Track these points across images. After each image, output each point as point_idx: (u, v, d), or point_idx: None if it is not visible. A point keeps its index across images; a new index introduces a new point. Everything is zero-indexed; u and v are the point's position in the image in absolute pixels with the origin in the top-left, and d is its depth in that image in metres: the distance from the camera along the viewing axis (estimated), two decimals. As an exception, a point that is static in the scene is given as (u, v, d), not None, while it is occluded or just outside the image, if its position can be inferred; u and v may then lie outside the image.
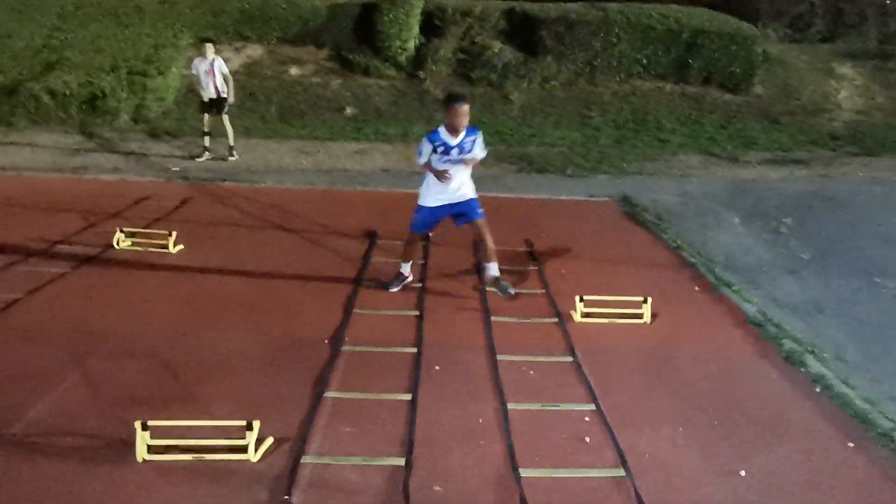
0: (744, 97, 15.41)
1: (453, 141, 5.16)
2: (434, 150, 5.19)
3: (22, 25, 13.69)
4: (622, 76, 15.05)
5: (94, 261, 5.98)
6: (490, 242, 5.32)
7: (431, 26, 14.65)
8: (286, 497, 3.07)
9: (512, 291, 5.33)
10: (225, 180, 9.32)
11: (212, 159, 10.43)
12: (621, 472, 3.35)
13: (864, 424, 3.86)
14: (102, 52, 13.49)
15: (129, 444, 3.31)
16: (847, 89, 16.85)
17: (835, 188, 10.26)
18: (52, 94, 12.48)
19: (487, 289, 5.52)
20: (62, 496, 3.07)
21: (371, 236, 6.94)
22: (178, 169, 9.94)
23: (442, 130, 5.19)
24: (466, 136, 5.19)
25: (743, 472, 3.41)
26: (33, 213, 7.29)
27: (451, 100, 5.17)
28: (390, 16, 14.06)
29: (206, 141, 10.50)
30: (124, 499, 3.06)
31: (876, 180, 11.04)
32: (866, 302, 5.92)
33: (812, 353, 4.74)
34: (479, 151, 5.34)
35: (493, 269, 5.36)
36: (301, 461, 3.32)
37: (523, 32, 14.82)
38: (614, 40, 14.71)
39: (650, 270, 6.37)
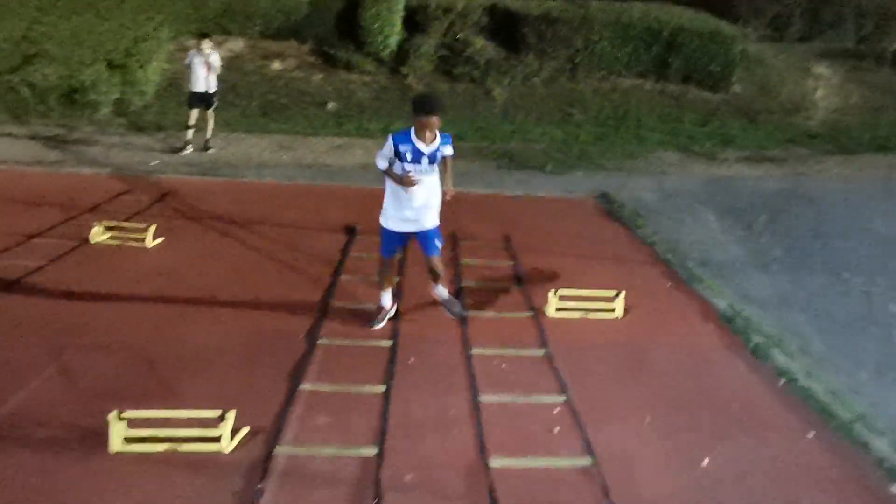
0: (723, 95, 15.57)
1: (426, 148, 4.52)
2: (399, 157, 4.51)
3: (0, 18, 13.54)
4: (603, 74, 15.14)
5: (70, 255, 5.96)
6: (441, 271, 4.93)
7: (414, 22, 14.66)
8: (259, 487, 3.12)
9: (464, 313, 5.02)
10: (205, 174, 9.32)
11: (193, 152, 10.44)
12: (588, 462, 3.44)
13: (826, 416, 3.98)
14: (82, 45, 13.35)
15: (105, 436, 3.35)
16: (824, 88, 17.10)
17: (810, 186, 10.43)
18: (31, 86, 12.38)
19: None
20: (36, 487, 3.10)
21: (350, 232, 6.98)
22: (157, 163, 9.91)
23: (413, 133, 4.54)
24: (441, 143, 4.58)
25: (706, 462, 3.51)
26: (8, 207, 7.23)
27: (420, 109, 4.51)
28: (373, 11, 14.06)
29: (190, 134, 10.48)
30: (98, 489, 3.10)
31: (850, 178, 11.26)
32: (834, 297, 6.06)
33: (778, 346, 4.86)
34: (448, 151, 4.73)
35: (441, 290, 5.05)
36: (274, 452, 3.38)
37: (505, 29, 14.87)
38: (595, 38, 14.80)
39: (625, 266, 6.47)
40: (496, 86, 14.48)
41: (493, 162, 11.23)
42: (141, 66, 13.20)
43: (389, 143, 4.54)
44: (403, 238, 4.87)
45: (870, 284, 6.31)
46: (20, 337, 4.46)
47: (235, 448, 3.40)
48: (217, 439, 3.37)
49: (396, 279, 5.55)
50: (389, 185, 4.69)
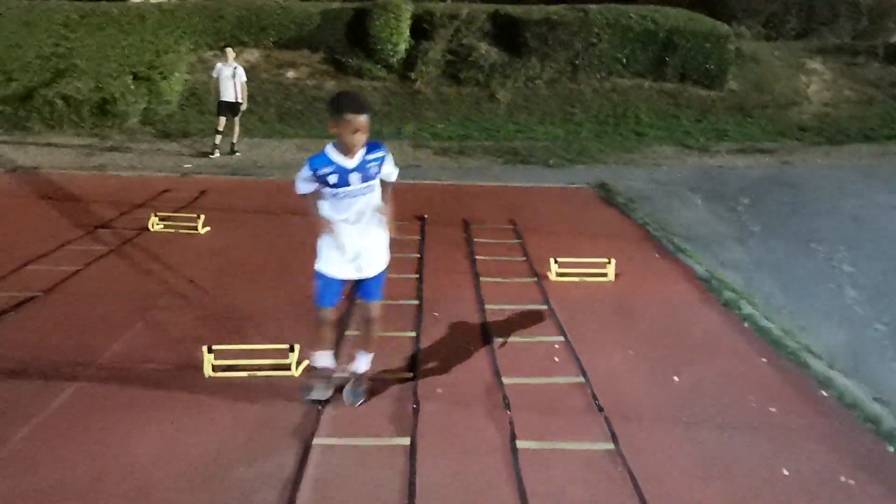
0: (718, 92, 16.27)
1: (349, 163, 3.54)
2: (321, 182, 3.58)
3: (30, 36, 14.44)
4: (603, 74, 15.89)
5: (134, 240, 6.87)
6: (376, 332, 4.03)
7: (421, 29, 15.48)
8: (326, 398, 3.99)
9: (360, 400, 4.01)
10: (235, 174, 10.22)
11: (220, 156, 11.36)
12: (581, 379, 4.30)
13: (777, 347, 4.82)
14: (109, 59, 14.29)
15: (196, 368, 4.23)
16: (817, 83, 17.78)
17: (793, 173, 11.25)
18: (65, 99, 13.31)
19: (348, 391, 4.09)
20: (149, 402, 3.96)
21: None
22: (189, 166, 10.82)
23: (331, 150, 3.56)
24: (368, 153, 3.58)
25: (676, 378, 4.36)
26: (69, 205, 8.15)
27: (341, 108, 3.44)
28: (381, 20, 14.87)
29: (218, 139, 11.42)
30: (198, 404, 3.96)
31: (833, 166, 12.05)
32: (799, 262, 6.92)
33: (745, 299, 5.70)
34: (390, 171, 3.78)
35: (363, 362, 4.09)
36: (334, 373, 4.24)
37: (508, 34, 15.66)
38: (595, 40, 15.57)
39: (618, 242, 7.30)
40: (500, 88, 15.32)
41: (499, 159, 12.08)
42: (164, 78, 14.15)
43: (306, 166, 3.67)
44: (343, 285, 4.02)
45: (831, 252, 7.16)
46: (108, 301, 5.34)
47: (301, 374, 4.27)
48: (287, 367, 4.24)
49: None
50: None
